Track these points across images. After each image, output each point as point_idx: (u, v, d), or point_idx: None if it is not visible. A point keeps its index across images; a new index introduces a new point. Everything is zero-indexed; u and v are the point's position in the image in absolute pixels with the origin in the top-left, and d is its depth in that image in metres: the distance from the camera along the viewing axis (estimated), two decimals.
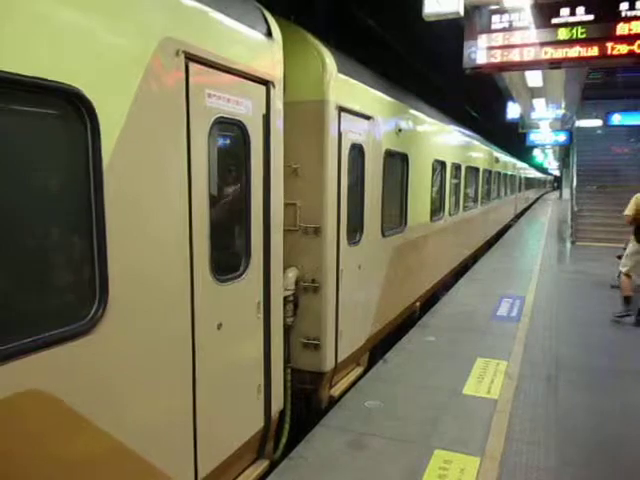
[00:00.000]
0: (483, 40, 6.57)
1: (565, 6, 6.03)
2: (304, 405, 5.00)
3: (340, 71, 4.88)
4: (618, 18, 5.78)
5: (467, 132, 12.43)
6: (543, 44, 6.23)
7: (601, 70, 22.03)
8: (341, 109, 4.91)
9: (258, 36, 3.65)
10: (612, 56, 5.89)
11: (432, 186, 8.58)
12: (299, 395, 4.78)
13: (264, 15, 3.80)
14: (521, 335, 7.17)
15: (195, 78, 2.98)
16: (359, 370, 5.89)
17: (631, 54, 5.77)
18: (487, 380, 5.57)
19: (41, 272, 2.32)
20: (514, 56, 6.45)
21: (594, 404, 5.10)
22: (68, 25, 2.21)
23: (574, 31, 6.05)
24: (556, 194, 57.50)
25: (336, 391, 5.27)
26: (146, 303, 2.71)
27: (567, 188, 32.21)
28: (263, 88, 3.71)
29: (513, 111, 22.17)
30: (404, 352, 6.47)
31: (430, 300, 9.03)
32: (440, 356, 6.34)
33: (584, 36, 5.99)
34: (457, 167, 10.50)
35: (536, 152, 44.73)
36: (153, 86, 2.67)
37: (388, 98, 6.36)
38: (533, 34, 6.28)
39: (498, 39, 6.51)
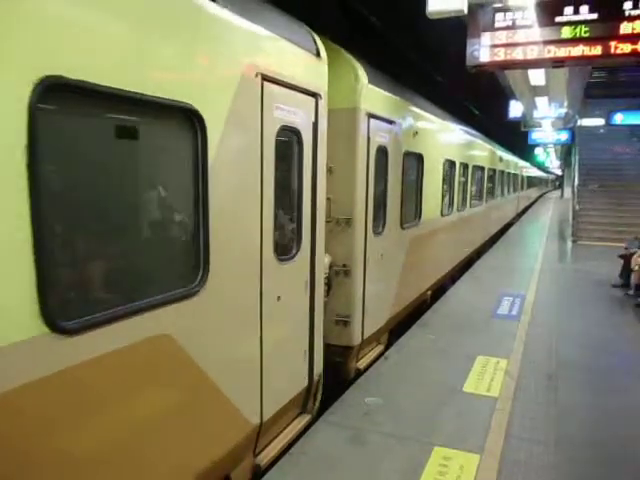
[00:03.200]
0: (486, 38, 6.55)
1: (569, 4, 6.01)
2: (334, 375, 5.46)
3: (370, 82, 5.59)
4: (622, 17, 5.76)
5: (473, 132, 12.98)
6: (546, 42, 6.21)
7: (604, 69, 21.96)
8: (370, 115, 5.62)
9: (310, 56, 4.38)
10: (615, 55, 5.87)
11: (443, 184, 9.28)
12: (329, 366, 5.21)
13: (313, 38, 4.54)
14: (521, 333, 7.19)
15: (267, 94, 3.68)
16: (380, 347, 6.59)
17: (634, 53, 5.75)
18: (487, 378, 5.58)
19: (171, 247, 3.15)
20: (517, 54, 6.43)
21: (594, 402, 5.11)
22: (190, 60, 2.97)
23: (578, 30, 6.03)
24: (557, 193, 57.43)
25: (362, 364, 5.93)
26: (231, 274, 3.40)
27: (568, 187, 32.16)
28: (313, 100, 4.41)
29: (515, 109, 22.12)
30: (405, 349, 6.48)
31: (438, 290, 9.58)
32: (440, 354, 6.35)
33: (587, 35, 5.97)
34: (465, 166, 11.13)
35: (538, 151, 44.60)
36: (240, 102, 3.37)
37: (407, 104, 7.10)
38: (536, 32, 6.26)
39: (501, 37, 6.49)
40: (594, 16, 5.91)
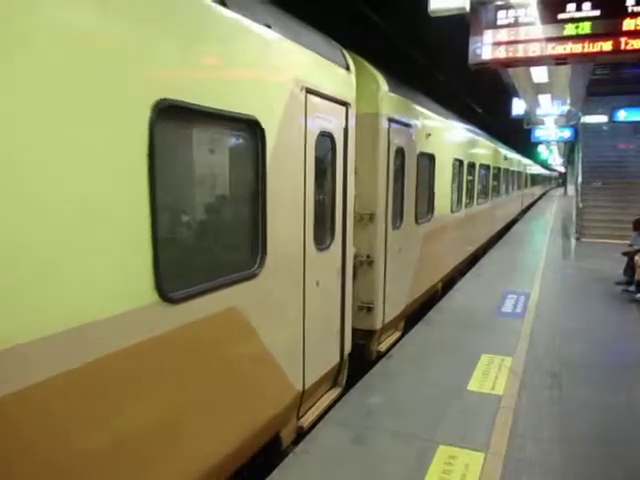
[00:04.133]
0: (489, 36, 6.54)
1: (571, 1, 6.00)
2: (357, 357, 5.93)
3: (390, 90, 6.21)
4: (625, 13, 5.74)
5: (479, 132, 13.46)
6: (549, 40, 6.20)
7: (607, 66, 21.88)
8: (390, 120, 6.20)
9: (341, 70, 4.98)
10: (619, 52, 5.85)
11: (452, 182, 9.86)
12: (353, 349, 5.65)
13: (343, 53, 5.15)
14: (526, 331, 7.17)
15: (310, 105, 4.25)
16: (398, 334, 7.15)
17: (638, 50, 5.74)
18: (492, 376, 5.58)
19: (241, 237, 3.71)
20: (520, 52, 6.42)
21: (599, 400, 5.10)
22: (256, 81, 3.58)
23: (580, 27, 6.02)
24: (561, 190, 57.29)
25: (383, 347, 6.50)
26: (282, 260, 3.96)
27: (572, 184, 32.07)
28: (343, 108, 4.98)
29: (518, 107, 22.07)
30: (409, 348, 6.48)
31: (448, 283, 10.03)
32: (445, 352, 6.35)
33: (590, 32, 5.96)
34: (471, 165, 11.66)
35: (541, 148, 44.51)
36: (289, 112, 3.91)
37: (421, 108, 7.70)
38: (539, 30, 6.25)
39: (504, 35, 6.48)
40: (597, 13, 5.90)
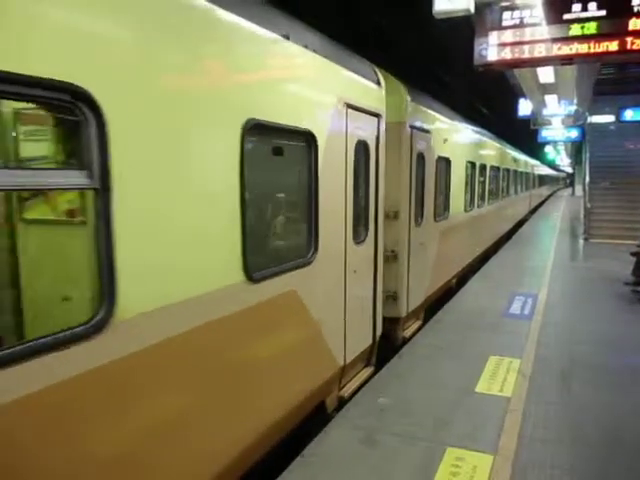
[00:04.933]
0: (494, 37, 6.56)
1: (577, 2, 5.99)
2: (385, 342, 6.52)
3: (412, 100, 6.84)
4: (631, 13, 5.74)
5: (490, 135, 14.02)
6: (555, 40, 6.20)
7: (614, 65, 21.77)
8: (412, 127, 6.83)
9: (373, 86, 5.64)
10: (625, 51, 5.84)
11: (465, 183, 10.53)
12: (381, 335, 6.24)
13: (375, 70, 5.82)
14: (534, 333, 7.14)
15: (350, 117, 4.91)
16: (419, 322, 7.78)
17: None
18: (500, 378, 5.56)
19: (301, 230, 4.35)
20: (525, 53, 6.43)
21: (608, 402, 5.07)
22: (312, 101, 4.32)
23: (586, 27, 6.01)
24: (569, 191, 56.98)
25: (407, 333, 7.14)
26: (329, 251, 4.59)
27: (580, 185, 31.91)
28: (376, 119, 5.66)
29: (525, 108, 22.01)
30: (416, 349, 6.47)
31: (460, 280, 10.53)
32: (452, 354, 6.33)
33: (596, 32, 5.95)
34: (483, 167, 12.35)
35: (548, 149, 44.35)
36: (335, 125, 4.61)
37: (438, 115, 8.33)
38: (545, 30, 6.25)
39: (509, 36, 6.49)
40: (602, 13, 5.89)
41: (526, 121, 23.51)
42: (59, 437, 2.25)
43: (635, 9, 5.68)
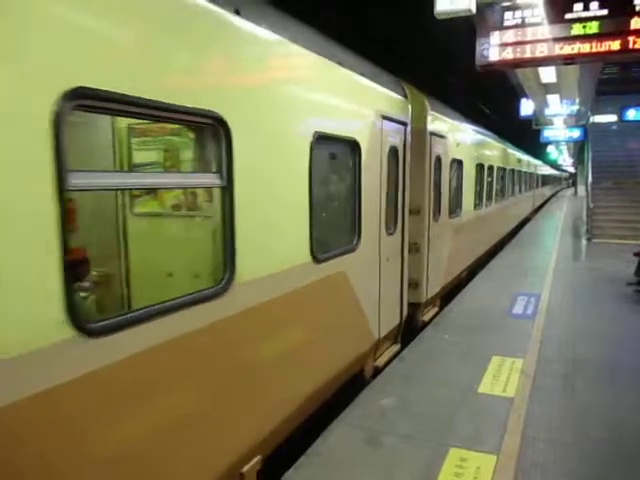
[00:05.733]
0: (495, 37, 6.55)
1: (579, 1, 5.98)
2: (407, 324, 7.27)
3: (432, 109, 7.71)
4: (633, 12, 5.72)
5: (496, 137, 14.67)
6: (556, 40, 6.19)
7: (616, 65, 21.75)
8: (431, 134, 7.67)
9: (401, 98, 6.45)
10: (627, 51, 5.83)
11: (475, 183, 11.29)
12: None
13: (402, 85, 6.63)
14: (537, 333, 7.13)
15: (384, 127, 5.74)
16: (435, 309, 8.54)
17: None
18: (503, 378, 5.55)
19: (349, 221, 5.18)
20: (527, 52, 6.42)
21: (611, 402, 5.05)
22: (357, 114, 5.17)
23: (588, 26, 6.00)
24: (571, 191, 56.83)
25: (426, 317, 7.92)
26: (369, 240, 5.41)
27: (582, 185, 31.85)
28: (403, 127, 6.49)
29: (527, 108, 21.99)
30: (419, 350, 6.47)
31: (469, 275, 11.15)
32: (455, 354, 6.33)
33: (598, 31, 5.94)
34: (490, 168, 13.09)
35: (550, 149, 44.29)
36: (373, 133, 5.45)
37: (451, 121, 9.15)
38: (546, 30, 6.24)
39: (511, 36, 6.48)
40: (604, 12, 5.88)
41: (528, 121, 23.49)
42: (200, 368, 3.10)
43: (637, 8, 5.66)
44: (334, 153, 4.98)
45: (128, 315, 2.58)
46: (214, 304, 3.10)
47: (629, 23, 5.75)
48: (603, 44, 5.93)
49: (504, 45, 6.52)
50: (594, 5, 5.92)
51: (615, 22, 5.86)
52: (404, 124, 6.49)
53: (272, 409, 3.87)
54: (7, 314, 2.00)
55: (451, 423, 4.59)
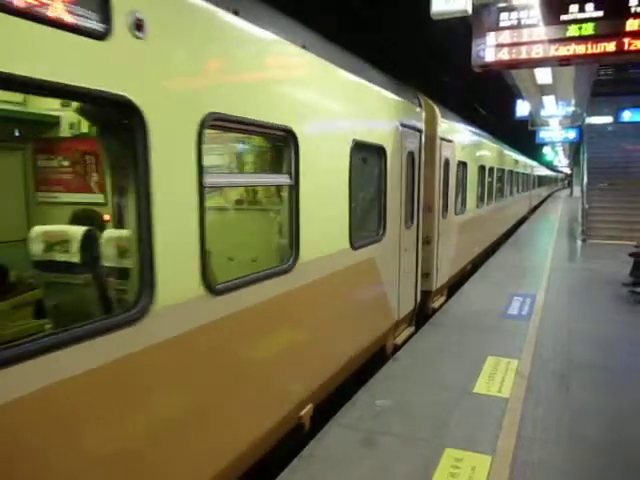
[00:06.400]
0: (491, 38, 6.55)
1: (574, 2, 5.99)
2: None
3: (442, 117, 8.53)
4: (628, 14, 5.73)
5: (495, 139, 15.35)
6: (552, 41, 6.19)
7: (612, 66, 21.82)
8: (441, 139, 8.48)
9: (417, 108, 7.38)
10: (622, 52, 5.84)
11: (477, 183, 12.11)
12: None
13: (417, 95, 7.56)
14: (532, 333, 7.15)
15: (403, 134, 6.58)
16: (443, 298, 9.32)
17: None
18: (498, 379, 5.56)
19: (377, 215, 6.00)
20: (523, 53, 6.42)
21: (606, 403, 5.07)
22: (385, 125, 6.06)
23: (583, 27, 6.01)
24: (567, 191, 56.98)
25: (435, 304, 8.69)
26: (392, 232, 6.30)
27: (578, 186, 31.93)
28: (418, 134, 7.36)
29: (522, 109, 22.04)
30: (415, 350, 6.47)
31: (469, 271, 11.82)
32: (451, 354, 6.33)
33: (594, 32, 5.95)
34: (491, 169, 13.99)
35: (546, 150, 44.39)
36: (395, 140, 6.28)
37: (457, 127, 10.04)
38: (542, 31, 6.24)
39: (506, 37, 6.49)
40: (600, 13, 5.89)
41: (524, 122, 23.54)
42: (279, 327, 4.05)
43: (632, 10, 5.68)
44: (366, 157, 5.67)
45: (233, 282, 3.40)
46: (284, 278, 3.95)
47: (624, 25, 5.75)
48: (598, 45, 5.94)
49: (500, 46, 6.52)
50: (589, 6, 5.93)
51: (610, 24, 5.87)
52: (419, 131, 7.36)
53: (322, 368, 4.76)
54: (176, 276, 2.88)
55: (446, 423, 4.59)
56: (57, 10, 2.11)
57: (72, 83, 2.22)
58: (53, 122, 5.13)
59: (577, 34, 6.03)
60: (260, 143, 4.75)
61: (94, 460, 2.48)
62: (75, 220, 4.66)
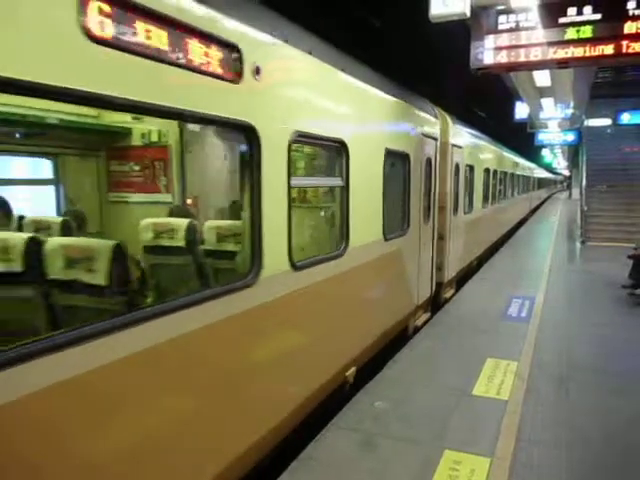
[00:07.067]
0: (490, 40, 6.57)
1: (572, 5, 6.01)
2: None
3: (453, 125, 9.41)
4: (626, 17, 5.75)
5: (497, 143, 16.08)
6: (550, 44, 6.21)
7: (611, 69, 21.86)
8: (453, 145, 9.40)
9: (433, 119, 8.29)
10: (621, 55, 5.86)
11: (483, 185, 12.98)
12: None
13: (433, 107, 8.50)
14: (531, 335, 7.15)
15: (424, 142, 7.58)
16: (453, 290, 10.22)
17: None
18: (497, 381, 5.56)
19: (402, 213, 6.98)
20: (521, 56, 6.44)
21: (606, 405, 5.07)
22: (410, 135, 7.11)
23: (582, 30, 6.03)
24: (566, 193, 57.02)
25: (447, 295, 9.63)
26: (413, 227, 7.19)
27: (577, 188, 31.95)
28: (435, 142, 8.34)
29: (521, 111, 22.06)
30: (414, 352, 6.47)
31: (474, 267, 12.48)
32: (450, 356, 6.33)
33: (592, 35, 5.97)
34: (495, 172, 14.93)
35: (545, 152, 44.44)
36: (417, 148, 7.24)
37: (465, 133, 10.84)
38: (540, 34, 6.26)
39: (505, 39, 6.51)
40: (598, 16, 5.91)
41: (523, 124, 23.56)
42: (333, 302, 5.00)
43: (630, 12, 5.70)
44: (394, 162, 6.49)
45: (306, 261, 4.31)
46: (338, 261, 4.86)
47: (622, 27, 5.77)
48: (597, 48, 5.96)
49: (498, 49, 6.54)
50: (588, 9, 5.94)
51: (609, 26, 5.89)
52: (435, 139, 8.35)
53: (362, 338, 5.69)
54: (274, 254, 3.75)
55: (445, 425, 4.59)
56: (214, 66, 3.10)
57: (219, 114, 3.18)
58: (125, 132, 6.06)
59: (575, 37, 6.05)
60: (319, 152, 5.99)
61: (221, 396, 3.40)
62: (171, 215, 5.31)
